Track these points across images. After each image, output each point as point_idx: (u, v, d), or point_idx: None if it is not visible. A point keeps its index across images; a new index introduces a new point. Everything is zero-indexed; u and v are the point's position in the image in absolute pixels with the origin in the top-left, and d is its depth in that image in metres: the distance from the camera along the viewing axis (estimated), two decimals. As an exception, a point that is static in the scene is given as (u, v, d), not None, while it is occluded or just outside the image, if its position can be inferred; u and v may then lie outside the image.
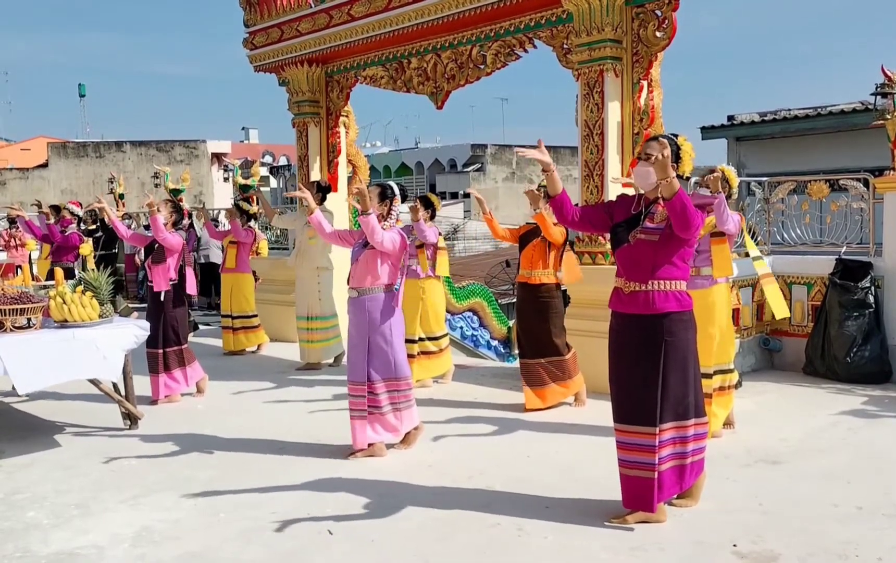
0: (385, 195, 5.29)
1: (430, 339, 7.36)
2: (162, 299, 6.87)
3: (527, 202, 6.44)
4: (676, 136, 4.08)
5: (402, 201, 5.46)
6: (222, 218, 13.82)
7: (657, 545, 3.79)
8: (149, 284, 7.07)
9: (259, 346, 9.43)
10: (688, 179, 5.31)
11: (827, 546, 3.73)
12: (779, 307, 5.72)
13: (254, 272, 9.81)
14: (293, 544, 3.95)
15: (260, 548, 3.92)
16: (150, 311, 6.96)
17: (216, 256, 13.00)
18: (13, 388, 7.09)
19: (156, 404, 6.85)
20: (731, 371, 5.56)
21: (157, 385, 6.92)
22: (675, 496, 4.12)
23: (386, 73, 8.85)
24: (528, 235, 6.43)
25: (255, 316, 9.41)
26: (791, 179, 8.20)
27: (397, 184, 5.50)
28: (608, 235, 4.18)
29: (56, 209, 11.47)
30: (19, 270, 7.65)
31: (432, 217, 7.36)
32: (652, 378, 3.87)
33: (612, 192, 6.81)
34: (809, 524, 3.99)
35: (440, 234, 7.42)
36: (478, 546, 3.86)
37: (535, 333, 6.37)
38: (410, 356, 7.18)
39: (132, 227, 14.80)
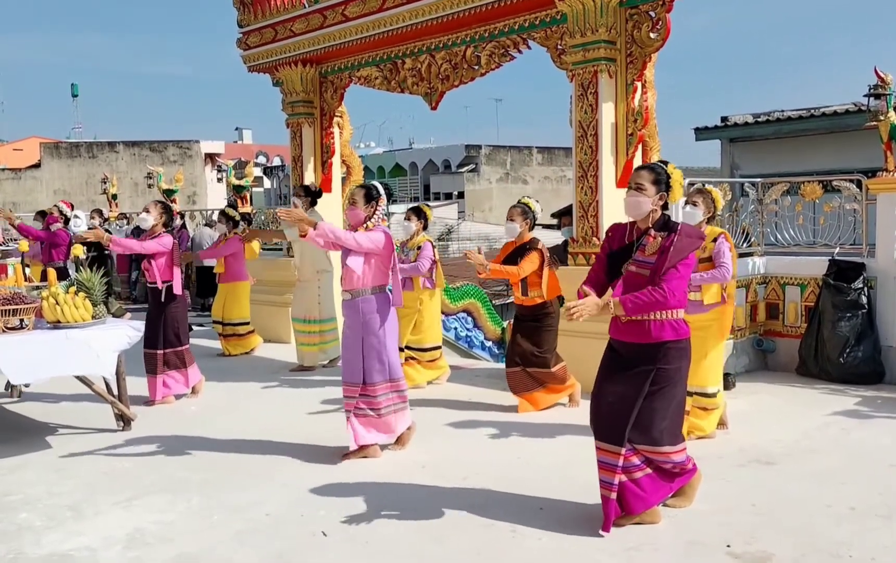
0: (370, 196, 5.29)
1: (419, 350, 7.34)
2: (163, 299, 6.85)
3: (506, 218, 6.46)
4: (666, 163, 4.05)
5: (388, 200, 5.46)
6: (215, 218, 13.78)
7: (651, 545, 3.79)
8: (148, 284, 7.03)
9: (251, 349, 9.39)
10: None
11: (820, 547, 3.74)
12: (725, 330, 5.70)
13: None
14: (287, 545, 3.95)
15: (254, 550, 3.91)
16: (150, 311, 6.95)
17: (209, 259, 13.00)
18: (6, 387, 7.11)
19: (153, 405, 6.83)
20: (711, 396, 5.42)
21: (156, 386, 6.89)
22: (668, 497, 4.12)
23: (380, 74, 8.84)
24: (510, 257, 6.38)
25: (246, 323, 9.34)
26: (784, 180, 8.22)
27: (382, 184, 5.51)
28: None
29: (42, 214, 11.40)
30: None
31: (425, 227, 7.39)
32: (629, 399, 3.85)
33: (606, 192, 6.83)
34: (803, 524, 4.00)
35: (433, 245, 7.42)
36: (472, 548, 3.86)
37: (524, 344, 6.33)
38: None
39: (124, 227, 14.76)
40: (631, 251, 3.94)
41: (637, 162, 6.71)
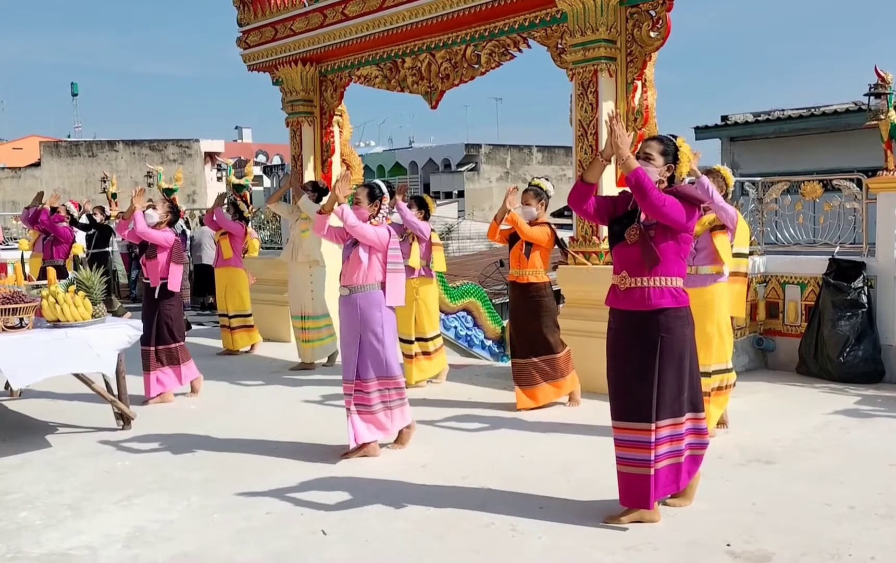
0: (374, 195, 5.30)
1: (419, 340, 7.34)
2: (156, 296, 6.87)
3: (520, 202, 6.46)
4: (675, 137, 4.10)
5: (391, 198, 5.52)
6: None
7: (651, 544, 3.79)
8: (143, 281, 7.08)
9: (252, 346, 9.40)
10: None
11: (820, 546, 3.73)
12: (737, 308, 5.76)
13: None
14: (287, 544, 3.95)
15: (254, 549, 3.91)
16: (144, 308, 6.97)
17: (208, 258, 13.00)
18: (6, 386, 7.11)
19: (147, 403, 6.82)
20: (729, 371, 5.55)
21: (149, 383, 6.90)
22: (669, 496, 4.12)
23: (380, 73, 8.84)
24: (516, 235, 6.41)
25: (250, 315, 9.38)
26: (784, 179, 8.22)
27: (385, 182, 5.53)
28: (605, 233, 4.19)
29: (52, 209, 11.48)
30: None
31: (426, 218, 7.35)
32: (647, 374, 3.87)
33: (606, 191, 6.81)
34: (803, 523, 4.00)
35: (433, 230, 7.41)
36: (472, 546, 3.86)
37: (526, 331, 6.37)
38: (409, 357, 7.19)
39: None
40: (633, 217, 3.96)
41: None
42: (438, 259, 7.39)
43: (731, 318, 5.72)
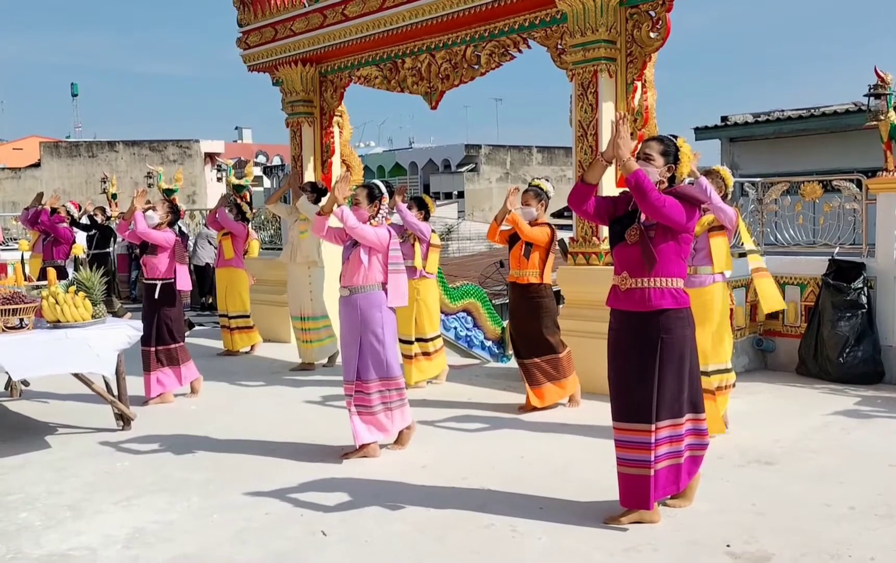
0: (373, 195, 5.30)
1: (419, 340, 7.33)
2: (156, 296, 6.87)
3: (520, 203, 6.47)
4: (676, 137, 4.10)
5: (391, 199, 5.52)
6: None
7: (651, 545, 3.79)
8: (144, 281, 7.08)
9: (252, 346, 9.40)
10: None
11: (820, 546, 3.74)
12: (771, 300, 5.76)
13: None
14: (287, 545, 3.95)
15: (254, 549, 3.91)
16: (145, 308, 6.98)
17: (198, 259, 13.06)
18: (6, 386, 7.12)
19: (147, 404, 6.82)
20: (728, 371, 5.56)
21: (150, 383, 6.90)
22: (669, 497, 4.12)
23: (380, 73, 8.85)
24: (516, 235, 6.42)
25: (250, 316, 9.38)
26: (784, 179, 8.23)
27: (384, 182, 5.53)
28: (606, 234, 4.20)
29: (52, 210, 11.50)
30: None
31: (426, 218, 7.35)
32: (648, 375, 3.88)
33: (606, 191, 6.81)
34: (802, 524, 4.00)
35: (433, 231, 7.41)
36: (472, 547, 3.86)
37: (526, 331, 6.37)
38: (409, 358, 7.19)
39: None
40: (634, 217, 3.96)
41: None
42: (432, 260, 7.37)
43: (768, 315, 5.60)
